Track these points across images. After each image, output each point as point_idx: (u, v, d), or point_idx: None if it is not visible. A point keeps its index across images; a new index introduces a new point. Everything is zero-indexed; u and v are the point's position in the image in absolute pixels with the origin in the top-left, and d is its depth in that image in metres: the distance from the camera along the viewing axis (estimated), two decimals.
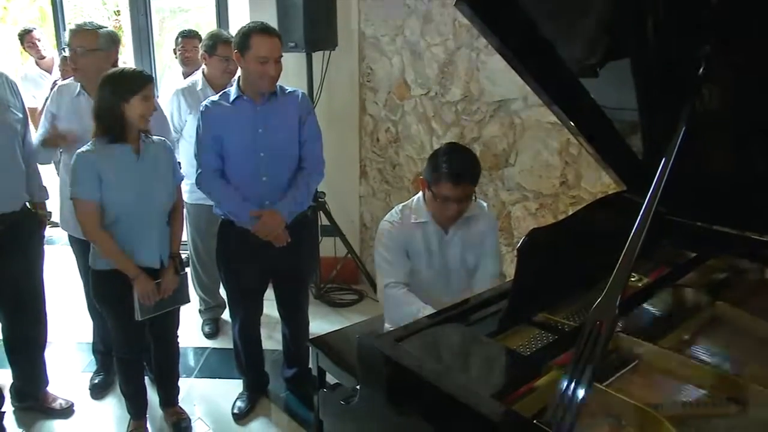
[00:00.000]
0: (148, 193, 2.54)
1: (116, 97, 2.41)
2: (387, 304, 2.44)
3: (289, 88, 2.84)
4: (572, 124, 1.93)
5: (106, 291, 2.62)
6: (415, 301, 2.33)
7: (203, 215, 3.37)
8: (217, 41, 3.43)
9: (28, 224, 2.81)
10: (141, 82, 2.44)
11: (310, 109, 2.89)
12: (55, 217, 3.09)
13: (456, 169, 2.27)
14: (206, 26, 5.56)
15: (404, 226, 2.45)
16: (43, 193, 2.94)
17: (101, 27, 2.88)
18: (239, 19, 4.24)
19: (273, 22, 3.62)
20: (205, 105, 2.77)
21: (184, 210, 3.18)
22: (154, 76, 4.73)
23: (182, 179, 2.79)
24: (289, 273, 2.96)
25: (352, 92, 4.29)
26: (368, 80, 4.24)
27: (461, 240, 2.48)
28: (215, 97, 2.80)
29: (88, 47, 2.79)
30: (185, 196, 3.23)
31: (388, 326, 2.55)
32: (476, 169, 2.35)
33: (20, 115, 2.74)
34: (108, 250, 2.50)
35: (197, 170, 2.77)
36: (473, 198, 2.41)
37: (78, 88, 2.90)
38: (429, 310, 2.21)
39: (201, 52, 3.53)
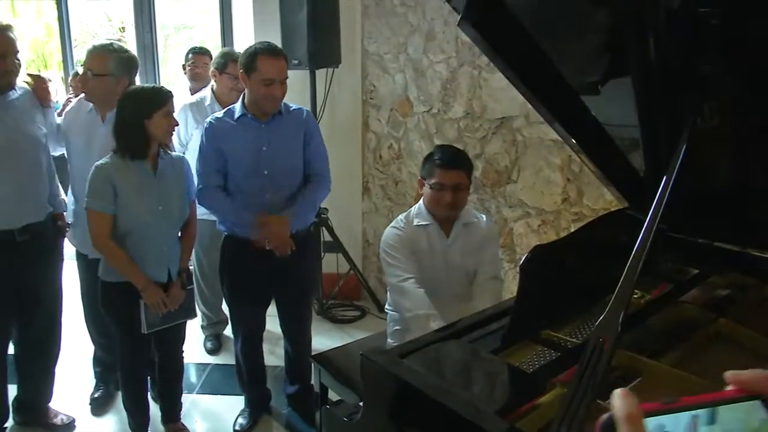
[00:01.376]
0: (162, 209, 2.56)
1: (139, 115, 2.44)
2: (406, 297, 2.39)
3: (294, 106, 2.86)
4: (574, 141, 1.94)
5: (114, 303, 2.62)
6: (431, 308, 2.32)
7: (207, 230, 3.38)
8: (228, 60, 3.49)
9: (51, 234, 2.87)
10: (163, 98, 2.48)
11: (315, 127, 2.90)
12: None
13: (447, 157, 2.48)
14: (210, 43, 5.61)
15: (409, 230, 2.53)
16: (62, 204, 2.98)
17: (117, 51, 2.82)
18: (244, 36, 4.28)
19: (277, 40, 3.67)
20: (210, 122, 2.78)
21: None
22: None
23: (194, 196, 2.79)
24: (291, 288, 2.96)
25: (355, 109, 4.32)
26: (371, 97, 4.26)
27: (462, 245, 2.56)
28: (220, 114, 2.81)
29: (98, 71, 2.76)
30: None
31: (390, 341, 2.57)
32: (467, 160, 2.54)
33: (45, 130, 2.81)
34: (118, 261, 2.52)
35: (198, 185, 2.77)
36: (468, 191, 2.53)
37: (90, 106, 2.91)
38: (438, 324, 2.22)
39: (212, 69, 3.59)
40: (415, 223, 2.54)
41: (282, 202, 2.79)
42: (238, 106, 2.76)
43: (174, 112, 2.55)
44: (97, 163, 2.50)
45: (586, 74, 1.87)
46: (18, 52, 2.65)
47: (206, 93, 3.62)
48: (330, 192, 2.98)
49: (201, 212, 3.08)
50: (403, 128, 4.08)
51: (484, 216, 2.71)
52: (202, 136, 2.79)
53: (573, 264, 1.78)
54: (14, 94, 2.70)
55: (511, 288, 3.07)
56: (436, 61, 3.75)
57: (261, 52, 2.62)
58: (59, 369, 3.18)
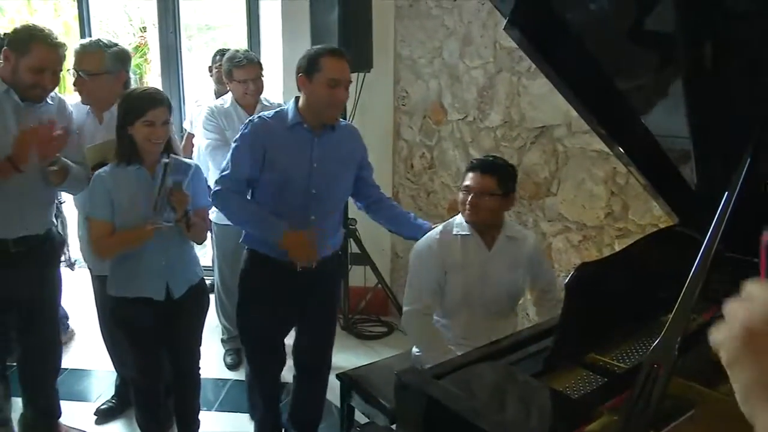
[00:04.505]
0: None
1: (123, 120, 2.47)
2: (408, 329, 2.64)
3: (342, 121, 2.77)
4: (622, 151, 1.92)
5: (124, 318, 2.66)
6: (438, 343, 2.48)
7: (231, 238, 3.39)
8: (231, 67, 3.53)
9: (49, 247, 2.87)
10: (144, 106, 2.44)
11: (365, 147, 2.81)
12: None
13: (479, 161, 2.60)
14: (234, 45, 5.67)
15: (443, 240, 2.58)
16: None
17: (108, 46, 2.81)
18: (271, 38, 4.32)
19: (306, 42, 3.71)
20: (254, 121, 2.58)
21: (211, 233, 3.22)
22: (181, 94, 4.84)
23: (208, 205, 2.77)
24: (312, 313, 2.82)
25: (386, 116, 4.34)
26: (403, 104, 4.28)
27: (507, 258, 2.58)
28: (268, 115, 2.61)
29: (94, 71, 2.75)
30: (212, 215, 3.27)
31: (415, 351, 2.62)
32: (501, 168, 2.56)
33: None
34: (118, 243, 2.52)
35: (217, 186, 2.57)
36: (498, 199, 2.51)
37: (87, 109, 2.91)
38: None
39: (223, 75, 3.65)
40: (453, 233, 2.59)
41: (325, 226, 2.65)
42: (291, 111, 2.57)
43: (164, 121, 2.48)
44: (97, 171, 2.54)
45: (637, 81, 1.85)
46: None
47: (228, 96, 3.67)
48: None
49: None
50: (437, 136, 4.08)
51: (527, 231, 2.77)
52: (242, 134, 2.57)
53: (621, 283, 1.76)
54: (46, 105, 2.70)
55: None
56: (473, 67, 3.75)
57: (324, 52, 2.51)
58: (77, 383, 3.22)
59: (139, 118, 2.43)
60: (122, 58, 2.86)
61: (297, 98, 2.60)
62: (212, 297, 3.44)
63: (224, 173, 2.57)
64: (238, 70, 3.50)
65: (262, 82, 3.57)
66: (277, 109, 2.68)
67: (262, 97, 3.61)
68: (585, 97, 1.75)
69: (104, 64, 2.77)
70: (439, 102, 4.01)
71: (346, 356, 3.72)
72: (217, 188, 2.58)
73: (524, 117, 3.48)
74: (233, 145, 2.60)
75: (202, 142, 3.65)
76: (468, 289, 2.55)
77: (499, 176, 2.51)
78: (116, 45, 2.87)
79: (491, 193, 2.50)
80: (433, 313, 2.59)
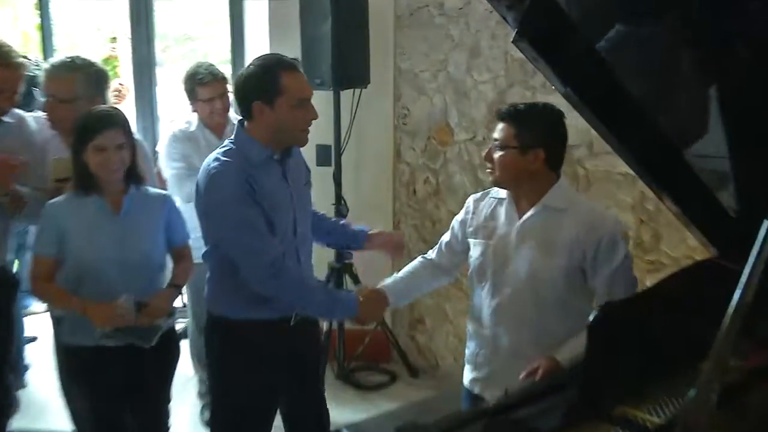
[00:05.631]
0: (122, 256, 2.51)
1: (75, 145, 2.46)
2: None
3: None
4: (648, 174, 1.92)
5: (80, 370, 2.63)
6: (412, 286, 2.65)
7: (203, 275, 3.37)
8: (193, 86, 3.52)
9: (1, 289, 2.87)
10: (92, 130, 2.41)
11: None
12: None
13: (504, 108, 2.32)
14: (216, 57, 5.71)
15: (482, 199, 2.48)
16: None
17: (83, 66, 2.76)
18: (257, 50, 4.34)
19: (296, 56, 3.72)
20: (229, 172, 2.32)
21: None
22: (154, 111, 4.85)
23: (185, 240, 2.75)
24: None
25: (385, 136, 4.35)
26: (404, 123, 4.29)
27: (537, 235, 2.26)
28: (228, 163, 2.33)
29: (64, 97, 2.71)
30: None
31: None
32: (523, 113, 2.24)
33: None
34: (53, 297, 2.59)
35: (260, 271, 2.33)
36: (518, 152, 2.22)
37: (54, 133, 2.86)
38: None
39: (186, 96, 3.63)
40: (492, 194, 2.44)
41: (310, 265, 2.61)
42: (252, 145, 2.36)
43: (118, 145, 2.44)
44: (49, 200, 2.54)
45: (664, 93, 1.86)
46: None
47: (193, 118, 3.63)
48: None
49: (197, 254, 3.06)
50: (442, 159, 4.09)
51: (593, 205, 2.46)
52: (233, 203, 2.31)
53: (653, 325, 1.74)
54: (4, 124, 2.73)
55: None
56: (482, 81, 3.77)
57: (281, 68, 2.29)
58: None
59: (89, 142, 2.41)
60: (98, 80, 2.81)
61: (241, 123, 2.42)
62: (184, 342, 3.41)
63: (257, 256, 2.32)
64: (202, 88, 3.49)
65: (228, 98, 3.54)
66: (225, 149, 2.40)
67: (230, 115, 3.60)
68: (604, 115, 1.75)
69: (76, 89, 2.72)
70: (445, 120, 4.03)
71: (342, 410, 3.67)
72: (265, 276, 2.33)
73: None
74: (233, 223, 2.33)
75: (167, 172, 3.59)
76: (486, 265, 2.34)
77: (517, 125, 2.21)
78: (92, 65, 2.82)
79: (503, 146, 2.23)
80: (437, 266, 2.66)
